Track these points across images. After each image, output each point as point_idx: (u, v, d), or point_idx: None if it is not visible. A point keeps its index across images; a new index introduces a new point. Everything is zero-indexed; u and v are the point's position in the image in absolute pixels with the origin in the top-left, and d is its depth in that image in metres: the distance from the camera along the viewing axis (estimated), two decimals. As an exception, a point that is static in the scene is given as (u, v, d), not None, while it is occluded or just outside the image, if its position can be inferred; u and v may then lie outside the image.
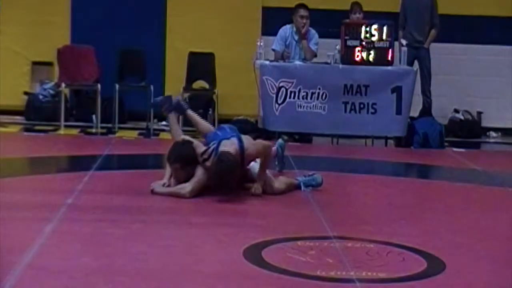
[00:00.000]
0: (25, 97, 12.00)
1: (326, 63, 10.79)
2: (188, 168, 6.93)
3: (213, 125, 11.57)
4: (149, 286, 4.59)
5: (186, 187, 6.86)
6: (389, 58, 10.79)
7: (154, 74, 11.84)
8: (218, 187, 6.83)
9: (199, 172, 6.91)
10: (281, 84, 10.59)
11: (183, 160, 6.91)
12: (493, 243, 5.91)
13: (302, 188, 7.32)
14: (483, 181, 8.51)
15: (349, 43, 10.76)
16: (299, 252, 5.34)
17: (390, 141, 11.00)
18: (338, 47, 10.80)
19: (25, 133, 10.87)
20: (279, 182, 7.24)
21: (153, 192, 6.93)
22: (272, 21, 11.83)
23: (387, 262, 5.24)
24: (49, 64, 12.17)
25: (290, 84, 10.59)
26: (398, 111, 10.65)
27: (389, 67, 10.80)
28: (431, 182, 8.86)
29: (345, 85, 10.62)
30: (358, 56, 10.77)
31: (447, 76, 12.31)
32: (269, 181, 7.16)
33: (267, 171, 7.22)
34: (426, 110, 11.55)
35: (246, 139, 7.08)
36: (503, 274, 5.12)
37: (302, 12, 10.96)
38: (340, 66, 10.72)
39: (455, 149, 10.80)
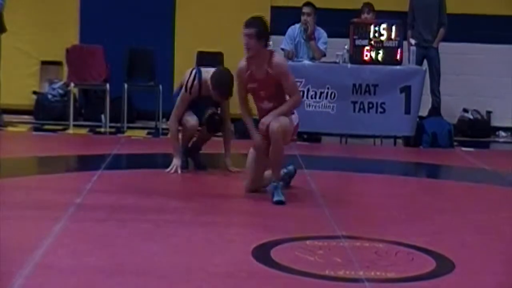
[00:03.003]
0: (34, 97, 12.03)
1: (335, 62, 10.78)
2: None
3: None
4: (157, 286, 4.59)
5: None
6: (398, 57, 10.78)
7: (163, 73, 11.84)
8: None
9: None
10: (289, 84, 10.56)
11: None
12: (502, 243, 5.90)
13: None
14: (492, 181, 8.49)
15: (358, 42, 10.76)
16: (307, 251, 5.33)
17: (399, 141, 10.99)
18: (347, 46, 10.79)
19: (34, 133, 10.89)
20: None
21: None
22: (280, 20, 11.80)
23: (396, 262, 5.23)
24: (58, 63, 12.20)
25: (298, 84, 10.57)
26: (407, 111, 10.63)
27: (398, 67, 10.79)
28: (440, 181, 8.84)
29: (354, 85, 10.61)
30: (367, 55, 10.76)
31: (456, 75, 12.29)
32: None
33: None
34: (435, 110, 11.53)
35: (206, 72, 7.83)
36: (512, 274, 5.12)
37: (304, 9, 10.96)
38: (349, 65, 10.71)
39: (464, 149, 10.79)
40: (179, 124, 7.98)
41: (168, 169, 7.86)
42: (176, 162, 7.91)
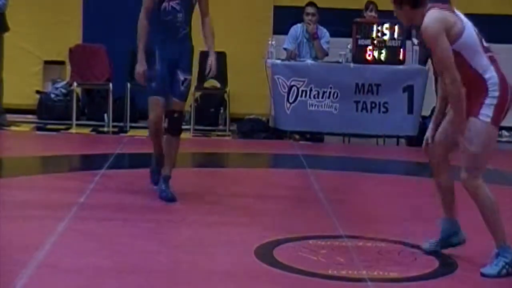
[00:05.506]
0: (37, 96, 12.03)
1: (338, 62, 10.78)
2: None
3: (225, 124, 11.68)
4: (160, 285, 4.60)
5: None
6: (401, 57, 10.77)
7: (166, 73, 11.81)
8: None
9: None
10: (292, 83, 10.59)
11: None
12: (505, 242, 5.89)
13: None
14: (495, 180, 8.44)
15: (361, 42, 10.75)
16: (310, 251, 5.34)
17: (402, 140, 10.98)
18: (349, 46, 10.80)
19: (37, 132, 10.89)
20: None
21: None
22: (283, 20, 11.80)
23: (399, 262, 5.23)
24: (61, 63, 12.19)
25: (301, 83, 10.58)
26: (410, 110, 10.63)
27: (401, 66, 10.78)
28: (443, 181, 8.81)
29: (357, 84, 10.61)
30: (369, 55, 10.76)
31: (459, 75, 12.25)
32: None
33: None
34: (438, 109, 11.51)
35: None
36: (515, 274, 5.11)
37: (308, 9, 10.98)
38: (352, 65, 10.71)
39: (467, 148, 10.75)
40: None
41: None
42: (139, 68, 6.91)
